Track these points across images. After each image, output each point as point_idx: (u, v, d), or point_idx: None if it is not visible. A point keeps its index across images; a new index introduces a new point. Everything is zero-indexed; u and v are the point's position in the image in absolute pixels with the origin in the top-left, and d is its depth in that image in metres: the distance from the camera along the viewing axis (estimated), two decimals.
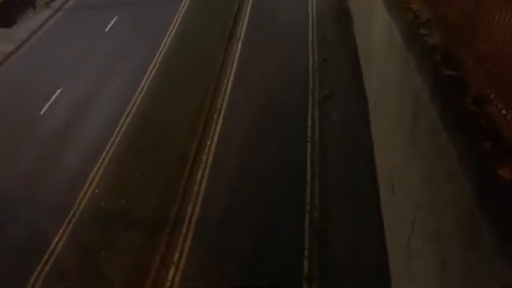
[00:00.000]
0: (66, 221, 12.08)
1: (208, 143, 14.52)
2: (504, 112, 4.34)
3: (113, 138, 15.07)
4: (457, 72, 5.63)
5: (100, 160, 14.14)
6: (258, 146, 14.23)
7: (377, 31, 12.73)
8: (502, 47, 4.58)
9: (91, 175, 13.57)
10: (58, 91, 17.61)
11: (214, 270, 10.54)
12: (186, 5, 24.15)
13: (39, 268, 10.91)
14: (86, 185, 13.25)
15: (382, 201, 10.86)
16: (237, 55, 19.46)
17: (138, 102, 16.89)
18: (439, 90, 6.12)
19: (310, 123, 14.97)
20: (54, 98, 17.27)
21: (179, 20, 22.77)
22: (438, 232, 5.84)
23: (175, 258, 10.84)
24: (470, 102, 4.94)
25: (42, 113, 16.52)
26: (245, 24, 22.01)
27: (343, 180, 12.55)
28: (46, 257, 11.17)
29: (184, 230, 11.54)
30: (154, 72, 18.71)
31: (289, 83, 17.15)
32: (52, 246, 11.44)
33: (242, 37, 20.87)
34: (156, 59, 19.54)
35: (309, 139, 14.29)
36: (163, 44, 20.69)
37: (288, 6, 23.22)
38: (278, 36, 20.44)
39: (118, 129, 15.49)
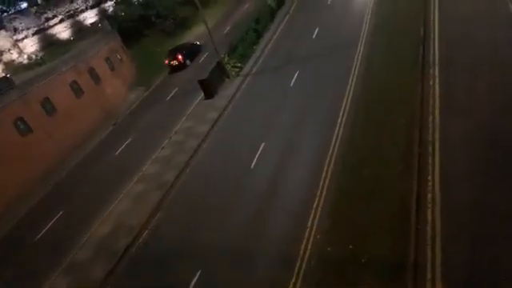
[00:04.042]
0: (296, 268, 12.05)
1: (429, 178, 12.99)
2: None
3: (321, 183, 14.96)
4: None
5: (314, 205, 14.05)
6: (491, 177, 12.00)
7: None
8: None
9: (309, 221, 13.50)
10: (262, 145, 18.86)
11: None
12: (362, 48, 23.99)
13: None
14: (307, 231, 13.18)
15: None
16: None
17: (337, 145, 16.71)
18: None
19: None
20: (259, 152, 18.53)
21: (358, 65, 22.54)
22: None
23: None
24: None
25: (252, 167, 17.77)
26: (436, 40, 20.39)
27: None
28: None
29: (429, 276, 10.02)
30: (346, 113, 18.51)
31: None
32: None
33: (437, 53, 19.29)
34: (345, 100, 19.40)
35: None
36: (349, 85, 20.68)
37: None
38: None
39: (323, 174, 15.36)
